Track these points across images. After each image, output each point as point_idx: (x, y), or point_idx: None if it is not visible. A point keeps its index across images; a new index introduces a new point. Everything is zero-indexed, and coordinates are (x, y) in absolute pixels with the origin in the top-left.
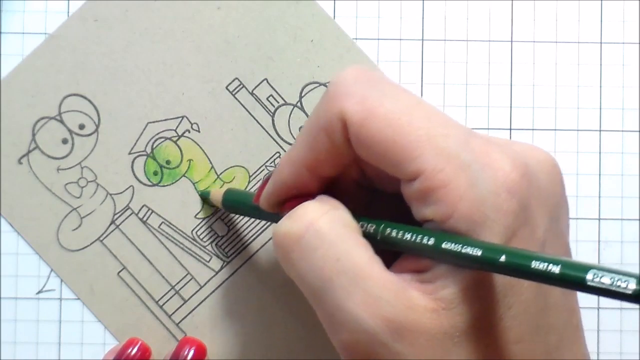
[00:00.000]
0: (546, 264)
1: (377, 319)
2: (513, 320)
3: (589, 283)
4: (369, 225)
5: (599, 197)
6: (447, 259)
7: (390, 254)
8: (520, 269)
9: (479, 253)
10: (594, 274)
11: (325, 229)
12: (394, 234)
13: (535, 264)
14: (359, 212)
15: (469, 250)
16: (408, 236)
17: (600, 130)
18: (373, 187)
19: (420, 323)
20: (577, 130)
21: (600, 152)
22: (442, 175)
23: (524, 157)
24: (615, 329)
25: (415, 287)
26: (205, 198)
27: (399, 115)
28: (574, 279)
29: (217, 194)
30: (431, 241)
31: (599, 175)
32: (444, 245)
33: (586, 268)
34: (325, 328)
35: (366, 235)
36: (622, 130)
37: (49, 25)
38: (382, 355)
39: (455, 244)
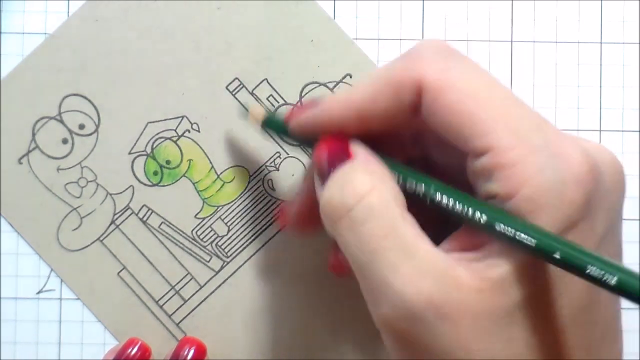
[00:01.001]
0: (602, 272)
1: (420, 296)
2: (561, 309)
3: None
4: (418, 184)
5: None
6: (498, 237)
7: (437, 230)
8: (574, 269)
9: (533, 243)
10: None
11: (375, 204)
12: (444, 200)
13: (591, 270)
14: (399, 165)
15: (523, 237)
16: (459, 207)
17: (600, 130)
18: (414, 155)
19: (464, 302)
20: (577, 130)
21: None
22: (512, 154)
23: (593, 153)
24: None
25: (463, 266)
26: (244, 113)
27: (478, 90)
28: (631, 291)
29: (256, 110)
30: (484, 218)
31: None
32: (497, 227)
33: None
34: (366, 301)
35: (411, 194)
36: (622, 130)
37: (49, 25)
38: (422, 334)
39: (510, 228)
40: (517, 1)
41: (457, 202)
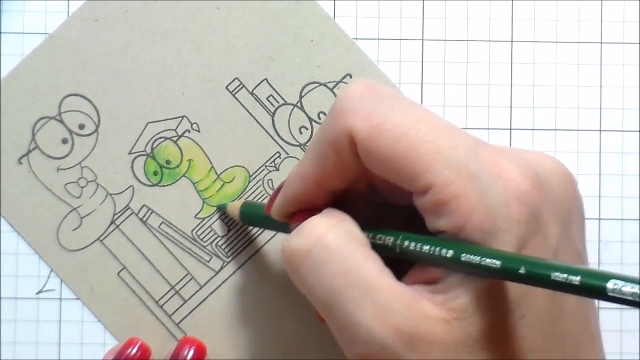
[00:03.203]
0: (566, 275)
1: (388, 330)
2: (527, 329)
3: (609, 293)
4: (387, 237)
5: (599, 197)
6: (464, 269)
7: (399, 267)
8: (540, 279)
9: (498, 264)
10: (615, 284)
11: (333, 243)
12: (412, 246)
13: (555, 275)
14: (369, 225)
15: (488, 262)
16: (426, 248)
17: (600, 130)
18: (381, 200)
19: (432, 333)
20: (577, 130)
21: (600, 152)
22: (452, 188)
23: (534, 165)
24: (615, 329)
25: (427, 298)
26: (222, 211)
27: (406, 129)
28: (594, 289)
29: (234, 207)
30: (450, 253)
31: (599, 175)
32: (462, 258)
33: (606, 277)
34: (339, 342)
35: (383, 247)
36: (622, 130)
37: (49, 25)
38: None
39: (474, 256)
40: (517, 1)
41: (424, 245)
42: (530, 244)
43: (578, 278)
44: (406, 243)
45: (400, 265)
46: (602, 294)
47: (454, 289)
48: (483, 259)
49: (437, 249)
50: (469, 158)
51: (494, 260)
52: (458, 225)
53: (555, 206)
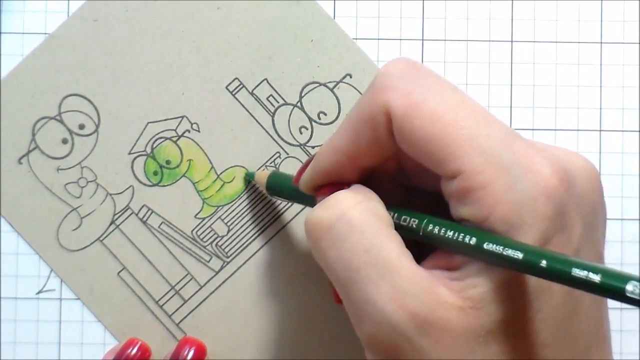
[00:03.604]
0: (586, 272)
1: (402, 313)
2: (541, 324)
3: (628, 294)
4: (412, 219)
5: None
6: (486, 257)
7: (420, 250)
8: (560, 275)
9: (520, 256)
10: (634, 286)
11: (357, 220)
12: (436, 230)
13: (575, 272)
14: (395, 206)
15: (510, 252)
16: (450, 233)
17: (600, 130)
18: (409, 183)
19: (446, 320)
20: (577, 130)
21: (600, 152)
22: (481, 176)
23: (564, 162)
24: (615, 329)
25: (444, 284)
26: (249, 180)
27: (443, 112)
28: (613, 289)
29: (261, 176)
30: (473, 240)
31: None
32: (485, 246)
33: (626, 279)
34: (351, 320)
35: (406, 229)
36: (622, 130)
37: (49, 25)
38: (405, 351)
39: (497, 246)
40: (517, 1)
41: (448, 230)
42: (554, 241)
43: (599, 277)
44: (430, 227)
45: (420, 249)
46: (620, 295)
47: (473, 278)
48: (505, 249)
49: (461, 235)
50: (502, 148)
51: (516, 252)
52: (482, 215)
53: (581, 205)
